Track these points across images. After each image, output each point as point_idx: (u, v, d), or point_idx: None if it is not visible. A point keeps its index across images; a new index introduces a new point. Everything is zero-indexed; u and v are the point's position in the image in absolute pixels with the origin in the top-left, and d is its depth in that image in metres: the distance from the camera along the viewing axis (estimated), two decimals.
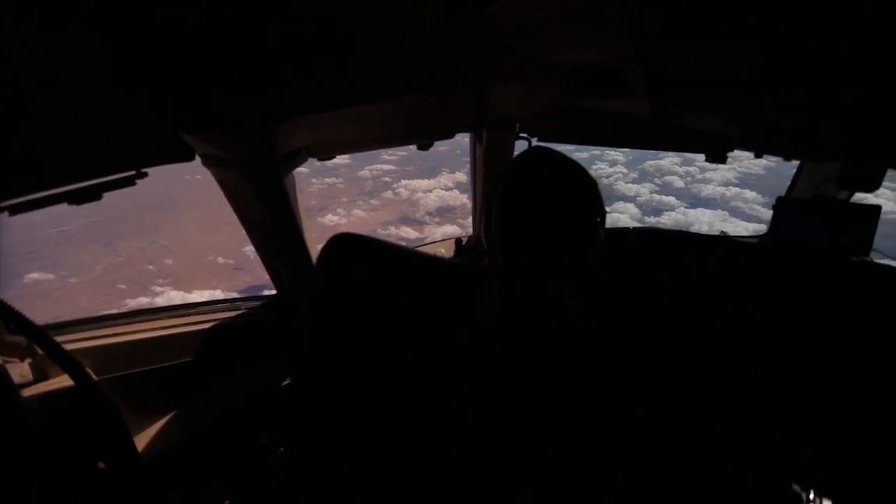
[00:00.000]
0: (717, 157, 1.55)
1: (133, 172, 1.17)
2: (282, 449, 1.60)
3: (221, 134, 1.21)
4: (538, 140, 1.85)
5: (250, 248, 1.72)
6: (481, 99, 1.58)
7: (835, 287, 1.65)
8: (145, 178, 1.23)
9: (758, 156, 1.49)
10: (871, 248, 1.58)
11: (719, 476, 1.60)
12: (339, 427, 1.11)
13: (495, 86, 1.52)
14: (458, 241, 2.34)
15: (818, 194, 1.85)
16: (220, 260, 30.45)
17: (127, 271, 30.61)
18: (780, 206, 1.69)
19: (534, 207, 0.83)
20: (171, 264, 31.55)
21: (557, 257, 0.86)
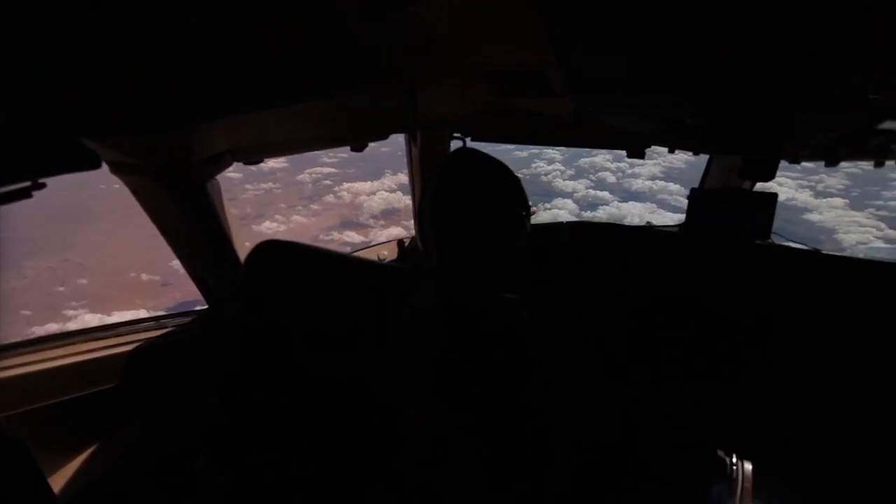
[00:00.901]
0: (637, 153, 1.67)
1: (28, 184, 1.03)
2: (221, 471, 1.49)
3: (129, 139, 1.10)
4: (472, 140, 1.89)
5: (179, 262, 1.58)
6: (413, 99, 1.58)
7: (742, 269, 1.84)
8: (49, 189, 1.08)
9: (671, 151, 1.62)
10: (770, 231, 1.78)
11: (660, 465, 1.72)
12: (277, 437, 1.05)
13: (427, 86, 1.52)
14: (400, 242, 2.32)
15: (726, 185, 2.04)
16: (145, 277, 27.85)
17: (33, 295, 27.06)
18: (693, 197, 1.85)
19: (462, 206, 0.87)
20: (86, 284, 28.32)
21: (487, 254, 0.90)
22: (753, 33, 0.68)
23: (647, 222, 2.24)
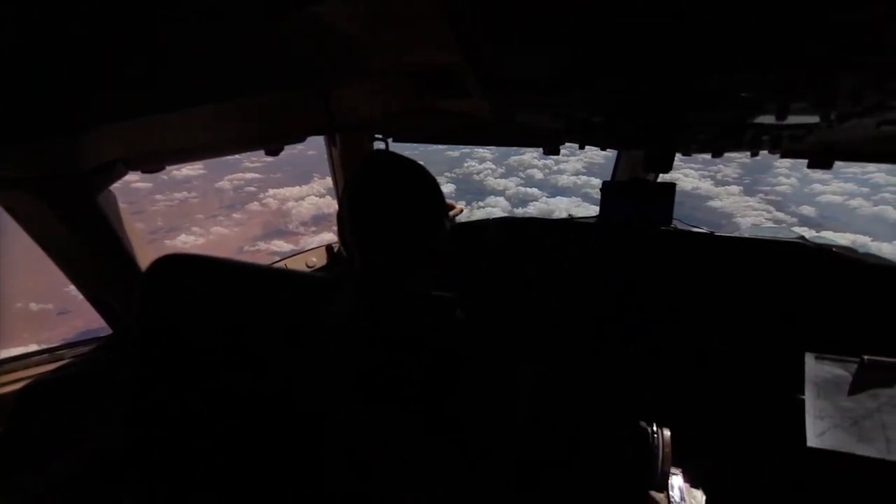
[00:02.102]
0: (552, 150, 1.77)
1: None
2: None
3: (1, 148, 0.94)
4: (394, 141, 1.87)
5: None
6: (328, 101, 1.53)
7: (649, 253, 2.03)
8: None
9: (581, 147, 1.73)
10: (672, 217, 1.97)
11: (593, 442, 1.83)
12: (196, 465, 0.97)
13: (342, 87, 1.48)
14: (329, 248, 2.24)
15: (633, 177, 2.22)
16: (35, 306, 24.29)
17: None
18: (605, 190, 2.00)
19: (378, 209, 0.87)
20: None
21: (408, 255, 0.90)
22: (649, 37, 0.74)
23: (569, 215, 2.38)
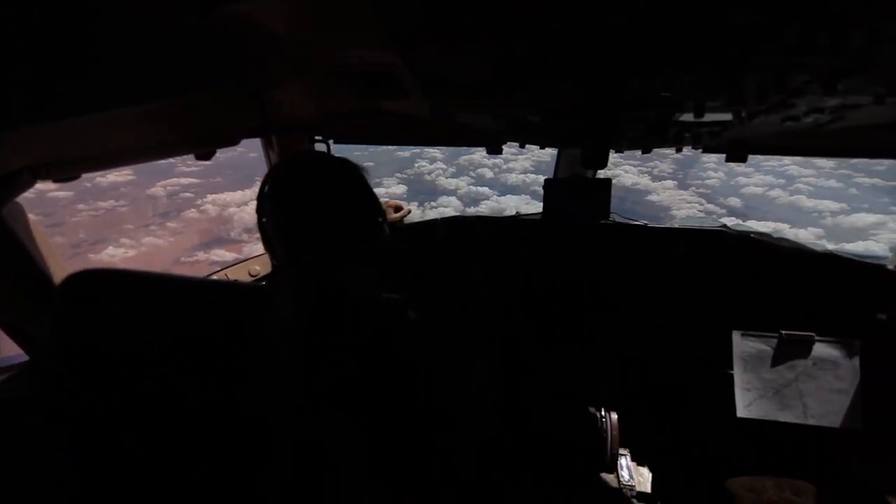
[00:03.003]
0: (494, 149, 1.79)
1: None
2: None
3: None
4: (335, 142, 1.82)
5: None
6: (261, 101, 1.45)
7: (589, 246, 2.12)
8: None
9: (522, 146, 1.78)
10: (609, 211, 2.06)
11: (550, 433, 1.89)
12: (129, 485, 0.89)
13: (275, 87, 1.41)
14: None
15: (574, 174, 2.31)
16: None
17: None
18: (548, 187, 2.06)
19: (304, 205, 0.87)
20: None
21: (339, 251, 0.90)
22: (575, 39, 0.76)
23: (517, 212, 2.43)
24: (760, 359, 1.69)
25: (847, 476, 1.75)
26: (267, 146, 1.84)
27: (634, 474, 1.82)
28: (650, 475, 1.84)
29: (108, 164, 1.38)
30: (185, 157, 1.61)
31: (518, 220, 2.25)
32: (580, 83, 0.96)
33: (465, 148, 1.84)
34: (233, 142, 1.56)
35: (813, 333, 1.63)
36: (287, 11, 0.88)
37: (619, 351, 2.16)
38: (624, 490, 1.74)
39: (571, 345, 2.17)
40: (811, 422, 1.60)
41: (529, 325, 2.22)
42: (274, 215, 0.89)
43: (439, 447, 0.96)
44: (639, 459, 1.91)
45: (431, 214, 2.39)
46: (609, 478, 1.80)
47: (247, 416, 0.83)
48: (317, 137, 1.85)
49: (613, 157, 1.82)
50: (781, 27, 0.66)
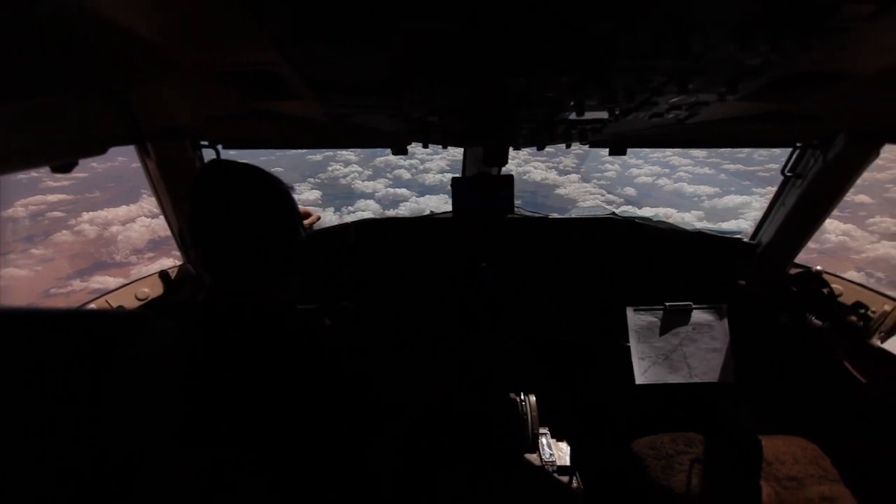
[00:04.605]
0: (399, 149, 1.78)
1: None
2: None
3: None
4: (224, 148, 1.67)
5: None
6: (128, 105, 1.28)
7: (496, 238, 2.22)
8: None
9: (425, 146, 1.79)
10: (513, 205, 2.17)
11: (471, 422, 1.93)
12: None
13: (144, 89, 1.25)
14: (163, 274, 1.90)
15: (480, 171, 2.38)
16: None
17: None
18: (455, 185, 2.10)
19: (221, 220, 0.86)
20: None
21: (259, 265, 0.89)
22: (459, 42, 0.77)
23: (430, 211, 2.45)
24: (650, 330, 1.90)
25: (729, 423, 2.04)
26: (143, 155, 1.63)
27: (555, 450, 1.94)
28: (568, 448, 1.97)
29: None
30: (14, 173, 1.37)
31: (429, 218, 2.28)
32: (462, 84, 0.99)
33: (379, 149, 1.80)
34: (100, 150, 1.35)
35: (690, 302, 1.87)
36: (146, 8, 0.79)
37: (530, 335, 2.29)
38: (546, 466, 1.84)
39: (486, 333, 2.25)
40: (695, 380, 1.83)
41: (445, 319, 2.26)
42: (192, 229, 0.87)
43: (360, 458, 0.93)
44: (558, 435, 2.04)
45: (351, 219, 2.33)
46: (532, 457, 1.90)
47: (104, 458, 0.73)
48: (203, 143, 1.68)
49: (522, 154, 1.92)
50: (634, 35, 0.74)
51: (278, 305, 0.93)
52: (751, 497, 1.60)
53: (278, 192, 0.93)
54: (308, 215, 1.82)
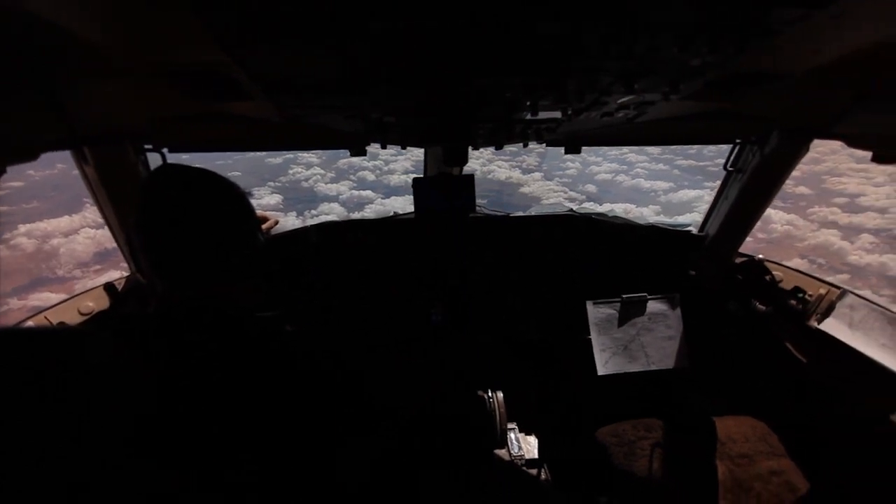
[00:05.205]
0: (358, 151, 1.75)
1: None
2: None
3: None
4: (171, 151, 1.59)
5: None
6: (59, 107, 1.19)
7: (459, 237, 2.24)
8: None
9: (384, 147, 1.77)
10: (475, 204, 2.18)
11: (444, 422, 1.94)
12: None
13: (75, 90, 1.17)
14: (109, 286, 1.79)
15: (441, 171, 2.38)
16: None
17: None
18: (416, 185, 2.10)
19: (174, 225, 0.83)
20: None
21: (215, 271, 0.86)
22: (412, 44, 0.76)
23: (394, 212, 2.43)
24: (610, 322, 1.97)
25: (685, 406, 2.14)
26: (80, 160, 1.52)
27: (523, 444, 1.97)
28: (536, 442, 2.01)
29: None
30: None
31: (392, 220, 2.26)
32: (415, 86, 0.99)
33: (342, 151, 1.77)
34: (31, 157, 1.24)
35: (645, 293, 1.95)
36: (74, 6, 0.74)
37: (496, 334, 2.32)
38: (515, 461, 1.87)
39: (453, 332, 2.26)
40: (653, 367, 1.91)
41: (410, 320, 2.26)
42: (142, 236, 0.84)
43: (329, 464, 0.92)
44: (526, 430, 2.07)
45: (314, 223, 2.28)
46: (501, 452, 1.92)
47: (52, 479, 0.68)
48: (147, 147, 1.59)
49: (486, 154, 1.94)
50: (581, 37, 0.76)
51: (239, 309, 0.90)
52: (707, 475, 1.69)
53: (234, 197, 0.90)
54: (265, 219, 1.77)
